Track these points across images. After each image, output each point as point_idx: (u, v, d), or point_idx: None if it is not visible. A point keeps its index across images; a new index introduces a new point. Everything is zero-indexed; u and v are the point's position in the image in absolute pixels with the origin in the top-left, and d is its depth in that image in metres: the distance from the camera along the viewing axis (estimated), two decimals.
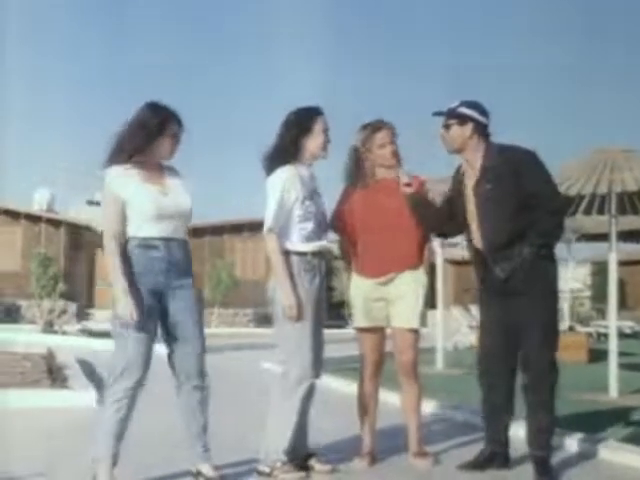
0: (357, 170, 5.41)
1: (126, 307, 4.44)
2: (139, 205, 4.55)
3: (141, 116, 4.65)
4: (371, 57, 62.21)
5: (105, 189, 4.61)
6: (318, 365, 5.06)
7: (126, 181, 4.56)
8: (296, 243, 5.00)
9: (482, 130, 5.20)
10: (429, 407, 7.51)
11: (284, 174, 4.98)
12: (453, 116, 5.19)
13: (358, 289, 5.42)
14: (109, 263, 4.53)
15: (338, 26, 58.53)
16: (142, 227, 4.57)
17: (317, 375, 5.06)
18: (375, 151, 5.35)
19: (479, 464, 5.21)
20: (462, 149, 5.22)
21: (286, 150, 5.05)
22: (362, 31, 62.15)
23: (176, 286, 4.66)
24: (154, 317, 4.60)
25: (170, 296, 4.64)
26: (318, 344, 5.05)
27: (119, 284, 4.48)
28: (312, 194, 5.08)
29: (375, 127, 5.40)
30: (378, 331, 5.41)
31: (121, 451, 4.55)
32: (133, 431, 4.64)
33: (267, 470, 4.90)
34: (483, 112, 5.22)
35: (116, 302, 4.52)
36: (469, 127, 5.16)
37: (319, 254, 5.09)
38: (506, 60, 62.37)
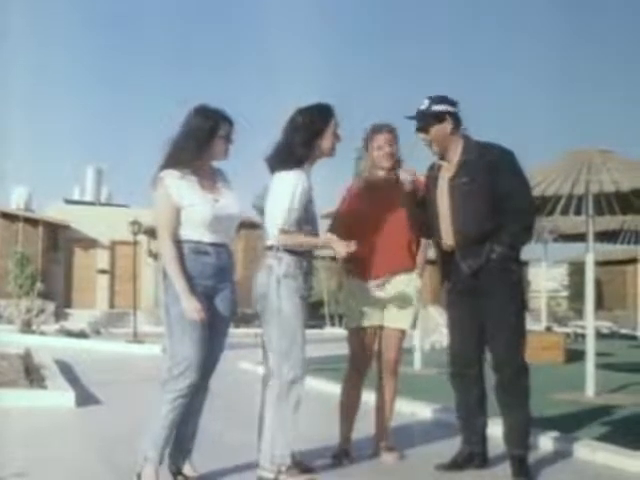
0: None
1: (190, 305, 4.47)
2: (196, 213, 4.58)
3: (191, 122, 4.68)
4: (371, 57, 62.33)
5: (162, 192, 4.60)
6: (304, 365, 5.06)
7: (184, 187, 4.59)
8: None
9: (458, 121, 5.15)
10: (408, 407, 7.54)
11: (299, 177, 4.85)
12: (429, 116, 5.14)
13: (354, 290, 5.46)
14: (167, 264, 4.56)
15: (337, 25, 58.63)
16: (195, 232, 4.60)
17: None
18: (373, 152, 5.41)
19: (458, 464, 5.21)
20: (447, 147, 5.15)
21: (298, 151, 4.89)
22: (362, 30, 62.27)
23: (219, 289, 4.71)
24: (205, 319, 4.57)
25: (213, 298, 4.69)
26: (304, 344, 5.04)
27: (181, 283, 4.50)
28: (311, 197, 5.02)
29: (375, 129, 5.44)
30: (371, 331, 5.45)
31: None
32: None
33: (271, 476, 4.74)
34: (453, 103, 5.17)
35: (169, 303, 4.56)
36: (448, 122, 5.10)
37: (310, 256, 5.05)
38: (505, 60, 62.73)
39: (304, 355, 4.90)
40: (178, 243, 4.59)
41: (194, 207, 4.57)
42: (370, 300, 5.41)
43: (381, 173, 5.48)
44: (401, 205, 5.29)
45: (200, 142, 4.63)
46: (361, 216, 5.37)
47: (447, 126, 5.10)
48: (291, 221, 4.79)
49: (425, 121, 5.13)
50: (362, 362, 5.49)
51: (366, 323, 5.42)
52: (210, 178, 4.76)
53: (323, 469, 5.17)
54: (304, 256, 4.94)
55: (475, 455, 5.25)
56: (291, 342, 4.82)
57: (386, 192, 5.41)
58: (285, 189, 4.81)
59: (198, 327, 4.51)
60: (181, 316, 4.50)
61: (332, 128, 4.96)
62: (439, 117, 5.10)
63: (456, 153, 5.13)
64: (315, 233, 5.01)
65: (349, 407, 5.52)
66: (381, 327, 5.47)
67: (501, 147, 5.13)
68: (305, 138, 4.88)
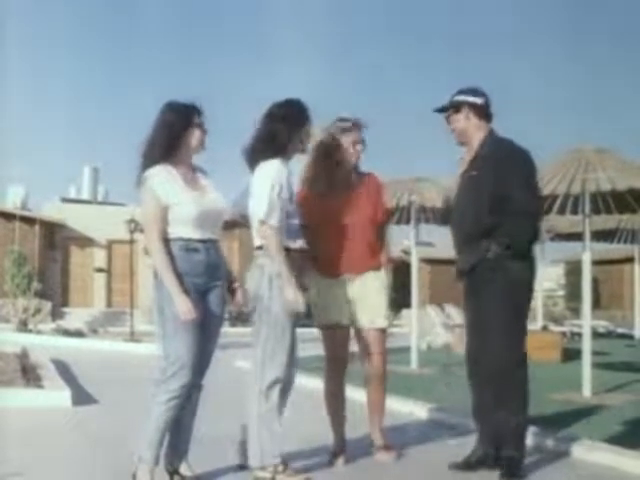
0: (328, 166, 5.36)
1: (183, 305, 4.46)
2: (183, 210, 4.58)
3: (163, 117, 4.68)
4: (368, 57, 62.40)
5: (146, 191, 4.61)
6: (294, 365, 5.04)
7: (169, 185, 4.59)
8: (284, 240, 4.85)
9: (480, 112, 5.17)
10: (405, 406, 7.54)
11: (280, 168, 4.81)
12: (450, 106, 5.20)
13: (319, 287, 5.38)
14: (157, 263, 4.55)
15: (334, 25, 58.67)
16: (184, 229, 4.60)
17: (292, 375, 5.00)
18: (349, 147, 5.36)
19: (471, 464, 5.13)
20: (467, 136, 5.19)
21: (277, 142, 4.86)
22: (358, 30, 62.37)
23: (211, 286, 4.71)
24: (198, 318, 4.57)
25: (204, 295, 4.69)
26: (294, 344, 5.00)
27: (172, 283, 4.50)
28: (293, 191, 5.00)
29: (356, 123, 5.40)
30: (341, 329, 5.39)
31: None
32: None
33: (269, 476, 4.73)
34: (477, 94, 5.18)
35: (162, 303, 4.55)
36: (464, 112, 5.14)
37: (302, 252, 4.98)
38: (504, 62, 62.87)
39: (290, 359, 4.84)
40: (167, 241, 4.59)
41: (180, 204, 4.57)
42: (337, 297, 5.34)
43: (346, 170, 5.39)
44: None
45: (173, 137, 4.63)
46: (324, 215, 5.25)
47: (462, 115, 5.16)
48: (275, 211, 4.74)
49: (447, 111, 5.23)
50: (338, 361, 5.44)
51: (333, 320, 5.37)
52: (191, 174, 4.75)
53: (319, 468, 5.17)
54: (297, 253, 4.90)
55: (489, 456, 5.15)
56: (277, 344, 4.79)
57: (347, 190, 5.35)
58: (266, 178, 4.78)
59: (190, 326, 4.50)
60: (175, 316, 4.49)
61: (308, 126, 4.98)
62: (457, 107, 5.16)
63: (476, 146, 5.15)
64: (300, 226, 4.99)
65: (335, 406, 5.49)
66: (355, 327, 5.40)
67: (519, 146, 5.10)
68: (284, 128, 4.88)
